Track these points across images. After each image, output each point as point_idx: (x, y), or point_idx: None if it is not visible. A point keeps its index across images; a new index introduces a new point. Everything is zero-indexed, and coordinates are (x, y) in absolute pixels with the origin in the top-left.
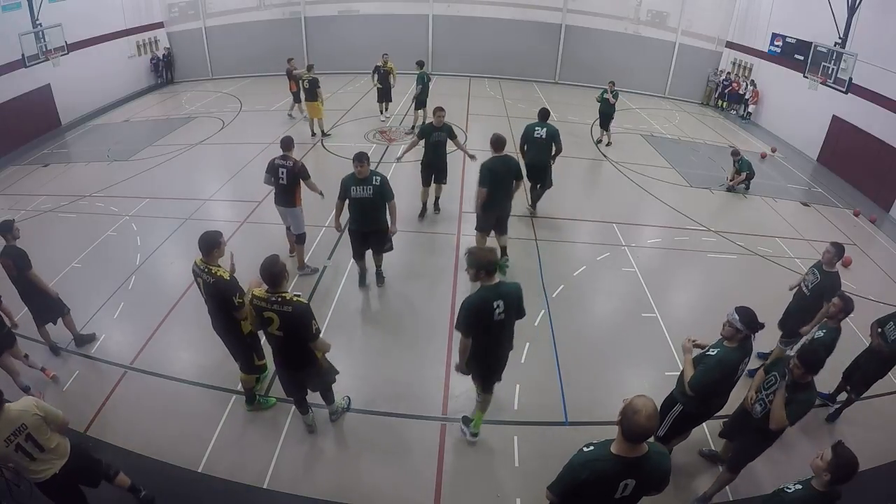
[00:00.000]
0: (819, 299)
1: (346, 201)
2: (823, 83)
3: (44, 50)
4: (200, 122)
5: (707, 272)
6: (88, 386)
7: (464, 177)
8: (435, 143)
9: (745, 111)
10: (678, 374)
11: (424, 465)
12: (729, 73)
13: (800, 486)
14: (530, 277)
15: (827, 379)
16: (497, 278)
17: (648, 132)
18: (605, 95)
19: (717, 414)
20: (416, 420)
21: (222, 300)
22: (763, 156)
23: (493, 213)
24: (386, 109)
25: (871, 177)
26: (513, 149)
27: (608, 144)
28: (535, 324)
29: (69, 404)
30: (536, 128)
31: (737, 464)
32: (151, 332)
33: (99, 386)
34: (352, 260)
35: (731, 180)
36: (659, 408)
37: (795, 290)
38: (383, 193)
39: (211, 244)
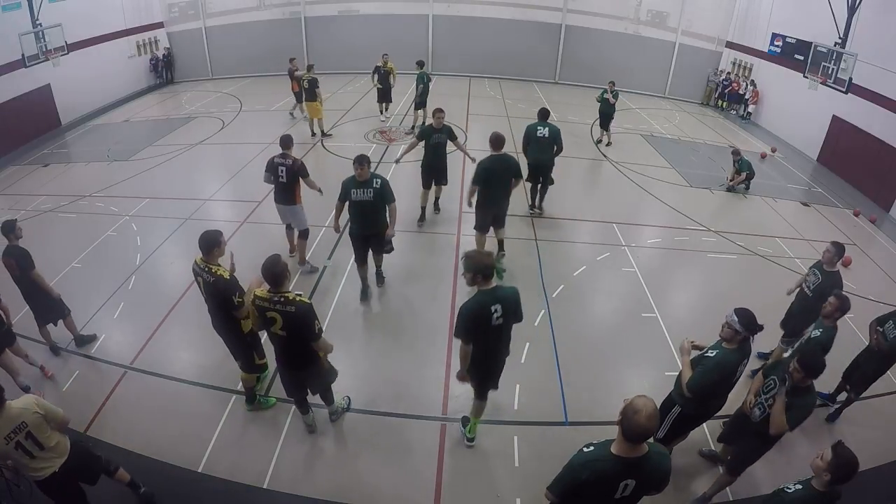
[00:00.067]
0: (821, 299)
1: (346, 203)
2: (823, 83)
3: (44, 50)
4: (200, 122)
5: (707, 272)
6: (88, 386)
7: (464, 177)
8: (435, 144)
9: (745, 111)
10: (678, 374)
11: (424, 465)
12: (729, 73)
13: (800, 486)
14: (530, 277)
15: (826, 379)
16: (494, 282)
17: (648, 132)
18: (605, 95)
19: (717, 414)
20: (416, 420)
21: (222, 299)
22: (763, 156)
23: (490, 212)
24: (386, 110)
25: (871, 177)
26: (513, 149)
27: (608, 144)
28: (535, 324)
29: (69, 404)
30: (539, 127)
31: (736, 467)
32: (151, 332)
33: (99, 386)
34: (352, 260)
35: (731, 180)
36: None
37: (797, 291)
38: (384, 196)
39: (211, 243)
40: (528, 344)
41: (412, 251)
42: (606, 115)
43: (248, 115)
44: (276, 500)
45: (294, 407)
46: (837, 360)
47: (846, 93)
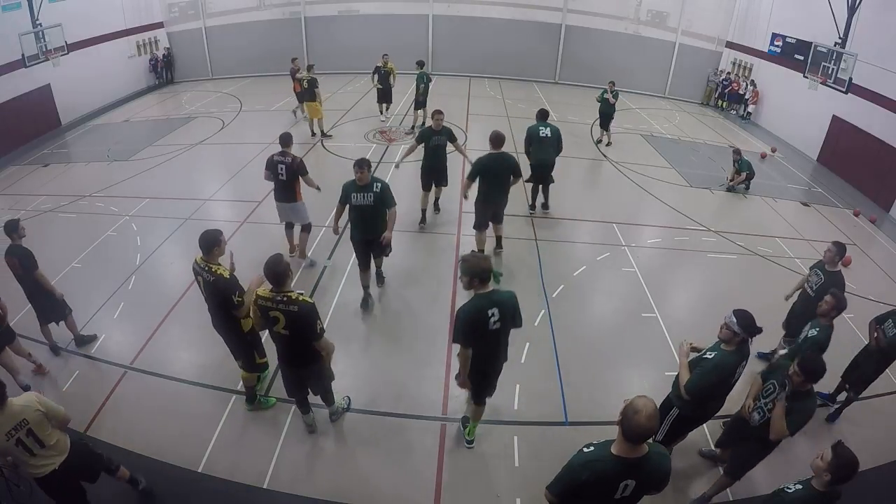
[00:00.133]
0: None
1: (346, 206)
2: (823, 83)
3: (44, 50)
4: (200, 122)
5: (707, 272)
6: (88, 386)
7: (464, 179)
8: (434, 146)
9: (745, 111)
10: (676, 376)
11: (424, 465)
12: (729, 73)
13: (800, 486)
14: (530, 277)
15: (826, 379)
16: (491, 286)
17: (648, 132)
18: (605, 95)
19: (716, 415)
20: (416, 420)
21: (222, 299)
22: (763, 156)
23: (489, 209)
24: (387, 110)
25: (871, 177)
26: (512, 149)
27: (608, 144)
28: (535, 324)
29: (69, 404)
30: (541, 128)
31: (736, 471)
32: (151, 332)
33: (99, 386)
34: (352, 260)
35: (730, 180)
36: None
37: (799, 291)
38: (384, 200)
39: (211, 242)
40: (528, 344)
41: (412, 252)
42: (606, 115)
43: (248, 115)
44: (276, 500)
45: (294, 407)
46: (837, 360)
47: (846, 93)
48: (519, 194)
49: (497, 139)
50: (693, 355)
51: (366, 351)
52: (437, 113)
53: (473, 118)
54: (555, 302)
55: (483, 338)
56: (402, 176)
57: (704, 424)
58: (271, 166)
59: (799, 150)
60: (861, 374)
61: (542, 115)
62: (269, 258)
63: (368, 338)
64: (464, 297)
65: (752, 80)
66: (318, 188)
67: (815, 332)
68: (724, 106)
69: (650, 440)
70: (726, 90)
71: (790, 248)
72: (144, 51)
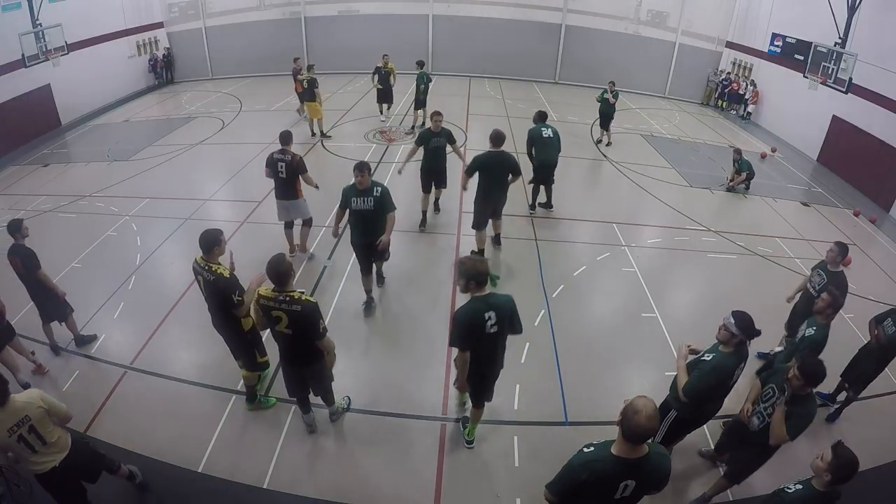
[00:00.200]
0: None
1: (347, 211)
2: (823, 83)
3: (44, 50)
4: (200, 122)
5: (707, 272)
6: (88, 386)
7: (462, 173)
8: (434, 148)
9: (745, 111)
10: (674, 378)
11: (424, 465)
12: (729, 73)
13: (800, 486)
14: (530, 277)
15: (826, 379)
16: (488, 289)
17: (648, 132)
18: (605, 95)
19: (716, 415)
20: (416, 420)
21: (222, 298)
22: (763, 156)
23: (488, 207)
24: (388, 110)
25: (871, 177)
26: (512, 148)
27: (608, 144)
28: (535, 324)
29: (69, 404)
30: (543, 129)
31: (736, 477)
32: (151, 332)
33: (99, 386)
34: (352, 260)
35: (730, 180)
36: None
37: (802, 292)
38: (384, 205)
39: (211, 242)
40: (528, 344)
41: (412, 251)
42: (606, 115)
43: (248, 115)
44: (276, 500)
45: (294, 407)
46: (836, 360)
47: (846, 93)
48: (519, 194)
49: (497, 138)
50: (691, 358)
51: (366, 351)
52: (436, 114)
53: (473, 118)
54: (555, 302)
55: (480, 341)
56: (401, 177)
57: (704, 425)
58: (271, 164)
59: (799, 150)
60: (861, 372)
61: (542, 117)
62: (271, 258)
63: (368, 338)
64: (464, 297)
65: (752, 80)
66: (316, 186)
67: (813, 332)
68: (724, 106)
69: (650, 440)
70: (726, 90)
71: (790, 248)
72: (144, 51)
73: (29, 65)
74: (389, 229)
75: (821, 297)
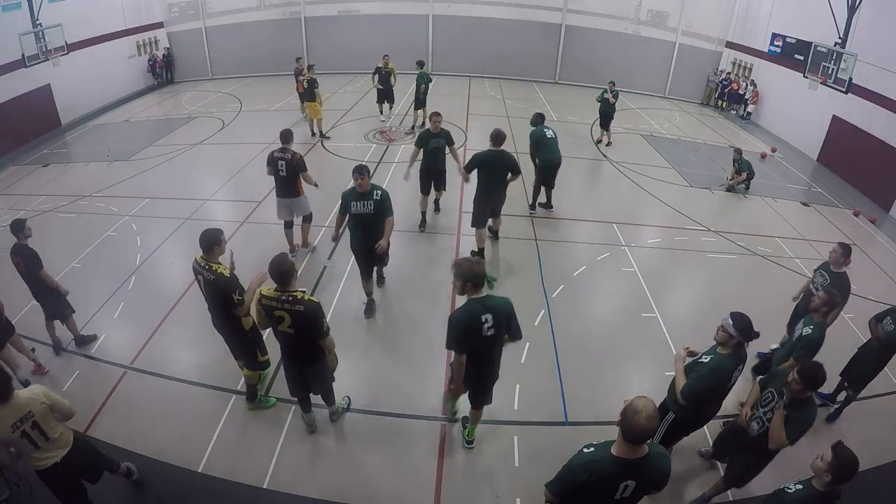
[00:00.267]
0: None
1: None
2: (823, 83)
3: (44, 50)
4: (200, 122)
5: (707, 272)
6: (88, 386)
7: (463, 183)
8: (433, 149)
9: (745, 111)
10: (672, 380)
11: (424, 465)
12: (729, 73)
13: (800, 486)
14: (530, 277)
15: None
16: (484, 292)
17: (648, 132)
18: (605, 95)
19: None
20: (416, 420)
21: (223, 297)
22: (763, 156)
23: (488, 205)
24: (390, 109)
25: (871, 177)
26: (512, 148)
27: (608, 144)
28: (535, 324)
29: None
30: (545, 130)
31: (735, 482)
32: (151, 332)
33: (99, 386)
34: (352, 261)
35: (730, 180)
36: None
37: (804, 293)
38: (384, 209)
39: (212, 241)
40: (528, 344)
41: (412, 251)
42: (606, 115)
43: (248, 115)
44: (276, 500)
45: (294, 407)
46: (836, 361)
47: (846, 93)
48: (519, 194)
49: (497, 137)
50: (689, 360)
51: (366, 351)
52: (435, 115)
53: (473, 118)
54: (555, 302)
55: (476, 345)
56: (401, 178)
57: (705, 426)
58: (272, 162)
59: (799, 150)
60: (861, 370)
61: (541, 118)
62: (273, 257)
63: (369, 338)
64: (464, 298)
65: (752, 80)
66: (315, 185)
67: (810, 330)
68: (724, 106)
69: (649, 441)
70: (726, 90)
71: (790, 248)
72: (144, 51)
73: (29, 65)
74: (388, 234)
75: (817, 295)
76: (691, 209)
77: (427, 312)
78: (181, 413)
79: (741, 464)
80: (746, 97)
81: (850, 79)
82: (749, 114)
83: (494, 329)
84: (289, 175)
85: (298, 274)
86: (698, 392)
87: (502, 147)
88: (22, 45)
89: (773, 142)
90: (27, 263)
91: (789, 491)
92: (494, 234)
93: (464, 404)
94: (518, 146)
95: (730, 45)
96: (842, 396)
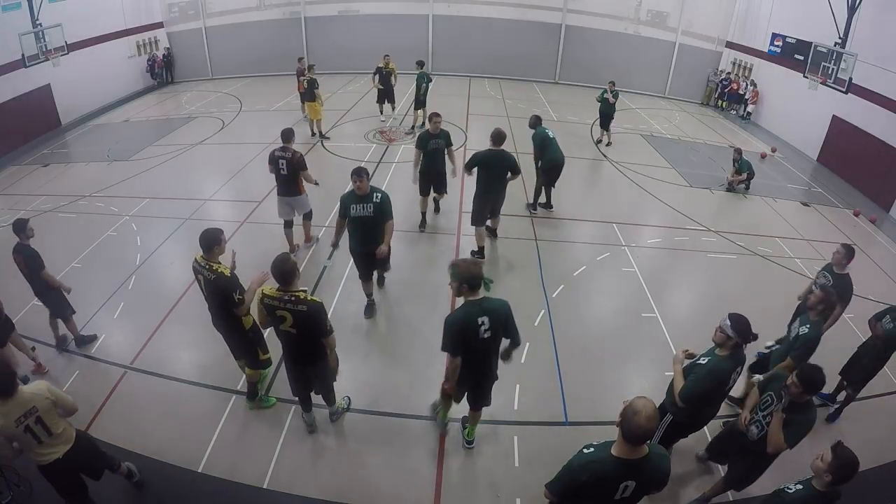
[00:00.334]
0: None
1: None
2: (823, 83)
3: (44, 50)
4: (200, 122)
5: (707, 272)
6: (88, 386)
7: (463, 185)
8: (433, 151)
9: (744, 111)
10: (670, 382)
11: (424, 465)
12: (729, 73)
13: (800, 487)
14: (530, 277)
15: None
16: (481, 294)
17: (648, 132)
18: (605, 95)
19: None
20: (416, 420)
21: (223, 297)
22: (763, 156)
23: (487, 204)
24: (393, 110)
25: (871, 177)
26: (513, 148)
27: (608, 144)
28: (535, 324)
29: None
30: (547, 130)
31: (735, 483)
32: (151, 332)
33: (99, 386)
34: (351, 262)
35: (730, 179)
36: None
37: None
38: (384, 212)
39: (212, 241)
40: (528, 344)
41: (412, 251)
42: (606, 115)
43: (248, 115)
44: (276, 500)
45: (294, 407)
46: (836, 361)
47: (846, 93)
48: (518, 194)
49: (498, 136)
50: (688, 362)
51: (366, 351)
52: (435, 116)
53: (473, 118)
54: (555, 302)
55: (473, 347)
56: (402, 178)
57: (705, 428)
58: (273, 161)
59: (799, 150)
60: (860, 369)
61: (540, 120)
62: (276, 257)
63: (369, 339)
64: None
65: (752, 80)
66: (315, 183)
67: (806, 329)
68: (724, 106)
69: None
70: (726, 90)
71: (790, 248)
72: (144, 51)
73: (29, 65)
74: (388, 238)
75: (813, 293)
76: (691, 209)
77: (427, 313)
78: (181, 413)
79: (741, 466)
80: (746, 97)
81: (850, 79)
82: (749, 114)
83: (491, 332)
84: (290, 173)
85: (306, 260)
86: (696, 394)
87: (502, 147)
88: (22, 45)
89: (773, 142)
90: (28, 264)
91: (789, 491)
92: (493, 233)
93: (463, 405)
94: (518, 146)
95: (730, 45)
96: (841, 396)
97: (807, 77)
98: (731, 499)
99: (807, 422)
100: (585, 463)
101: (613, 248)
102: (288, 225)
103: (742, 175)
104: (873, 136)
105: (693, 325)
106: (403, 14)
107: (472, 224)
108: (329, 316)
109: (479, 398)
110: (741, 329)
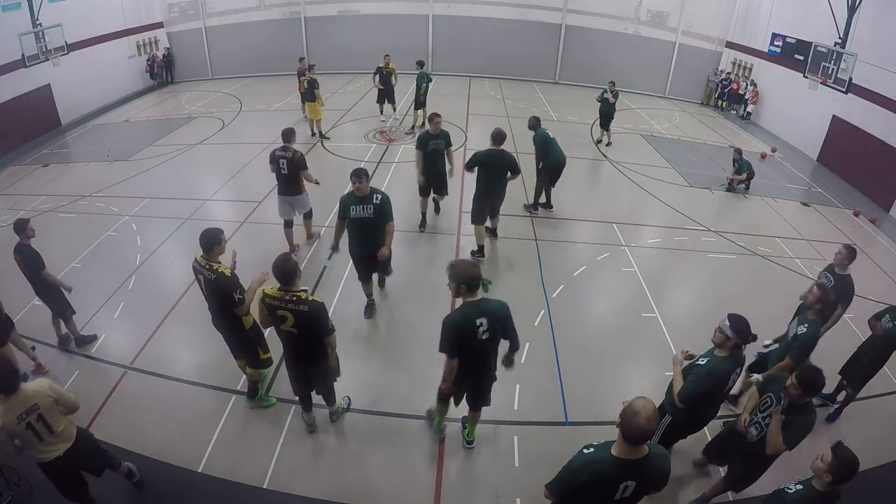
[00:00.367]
0: (833, 303)
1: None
2: (823, 83)
3: (44, 50)
4: (200, 122)
5: (707, 272)
6: (88, 386)
7: (463, 186)
8: (433, 151)
9: (745, 111)
10: (669, 383)
11: (424, 465)
12: (729, 73)
13: (800, 487)
14: (530, 277)
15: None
16: (480, 294)
17: (648, 132)
18: (605, 95)
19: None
20: (416, 420)
21: (223, 297)
22: (763, 156)
23: (487, 203)
24: (393, 110)
25: (871, 177)
26: (513, 148)
27: (608, 144)
28: (535, 324)
29: None
30: (547, 131)
31: (735, 484)
32: (151, 332)
33: (99, 386)
34: (351, 263)
35: (730, 179)
36: None
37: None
38: (384, 213)
39: (212, 241)
40: (528, 344)
41: (412, 251)
42: (606, 115)
43: (248, 115)
44: (276, 500)
45: (294, 407)
46: (835, 361)
47: (846, 93)
48: (518, 194)
49: (498, 136)
50: (687, 363)
51: (366, 351)
52: (435, 116)
53: (473, 118)
54: (555, 302)
55: (471, 349)
56: (402, 178)
57: (705, 428)
58: (274, 160)
59: (799, 150)
60: (860, 368)
61: (539, 121)
62: (277, 257)
63: (369, 339)
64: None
65: (752, 81)
66: (316, 182)
67: (805, 329)
68: (724, 106)
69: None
70: (726, 90)
71: (790, 248)
72: (144, 51)
73: (29, 65)
74: (389, 240)
75: (811, 292)
76: (691, 209)
77: (427, 313)
78: (181, 413)
79: (741, 467)
80: (746, 97)
81: (850, 79)
82: (749, 114)
83: (490, 333)
84: (290, 173)
85: (307, 257)
86: (695, 395)
87: (502, 146)
88: (22, 45)
89: (773, 142)
90: (29, 264)
91: (789, 491)
92: (493, 233)
93: (463, 405)
94: (518, 146)
95: (730, 45)
96: (841, 396)
97: (807, 77)
98: (730, 499)
99: (806, 423)
100: (585, 463)
101: (613, 248)
102: (288, 225)
103: (742, 175)
104: (873, 136)
105: (693, 326)
106: (403, 14)
107: (472, 223)
108: (329, 314)
109: (479, 398)
110: (740, 330)
